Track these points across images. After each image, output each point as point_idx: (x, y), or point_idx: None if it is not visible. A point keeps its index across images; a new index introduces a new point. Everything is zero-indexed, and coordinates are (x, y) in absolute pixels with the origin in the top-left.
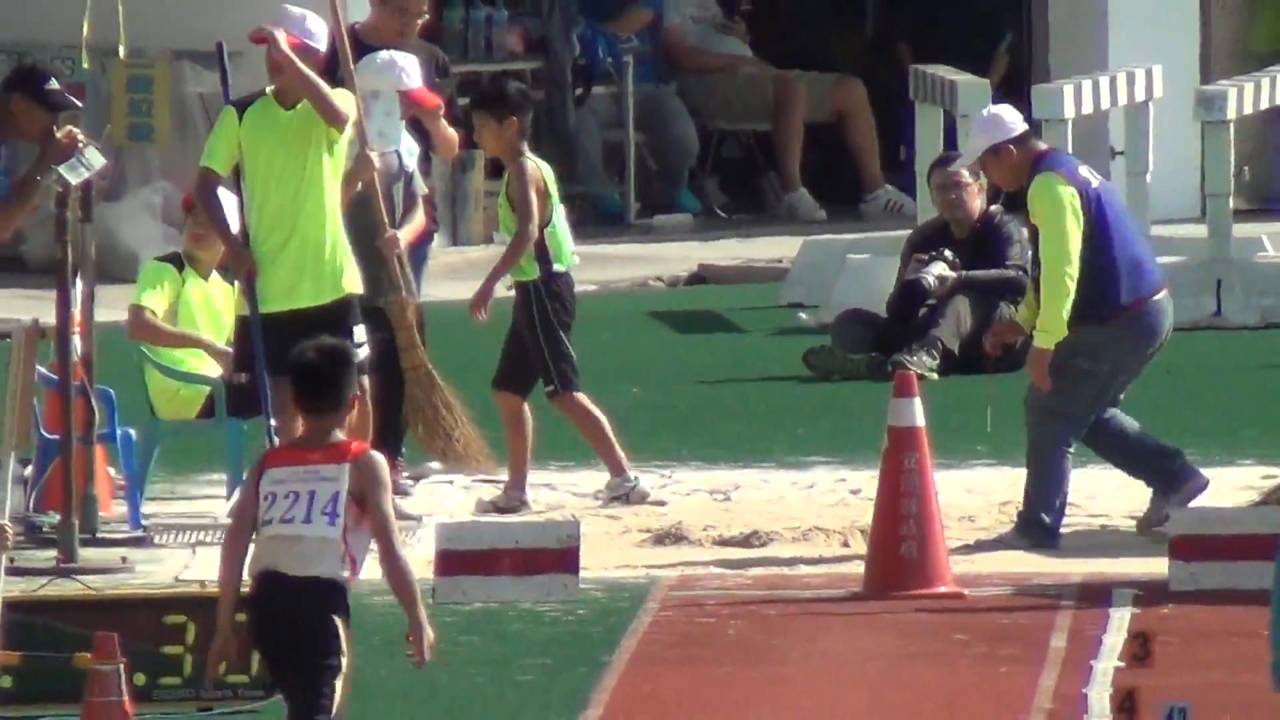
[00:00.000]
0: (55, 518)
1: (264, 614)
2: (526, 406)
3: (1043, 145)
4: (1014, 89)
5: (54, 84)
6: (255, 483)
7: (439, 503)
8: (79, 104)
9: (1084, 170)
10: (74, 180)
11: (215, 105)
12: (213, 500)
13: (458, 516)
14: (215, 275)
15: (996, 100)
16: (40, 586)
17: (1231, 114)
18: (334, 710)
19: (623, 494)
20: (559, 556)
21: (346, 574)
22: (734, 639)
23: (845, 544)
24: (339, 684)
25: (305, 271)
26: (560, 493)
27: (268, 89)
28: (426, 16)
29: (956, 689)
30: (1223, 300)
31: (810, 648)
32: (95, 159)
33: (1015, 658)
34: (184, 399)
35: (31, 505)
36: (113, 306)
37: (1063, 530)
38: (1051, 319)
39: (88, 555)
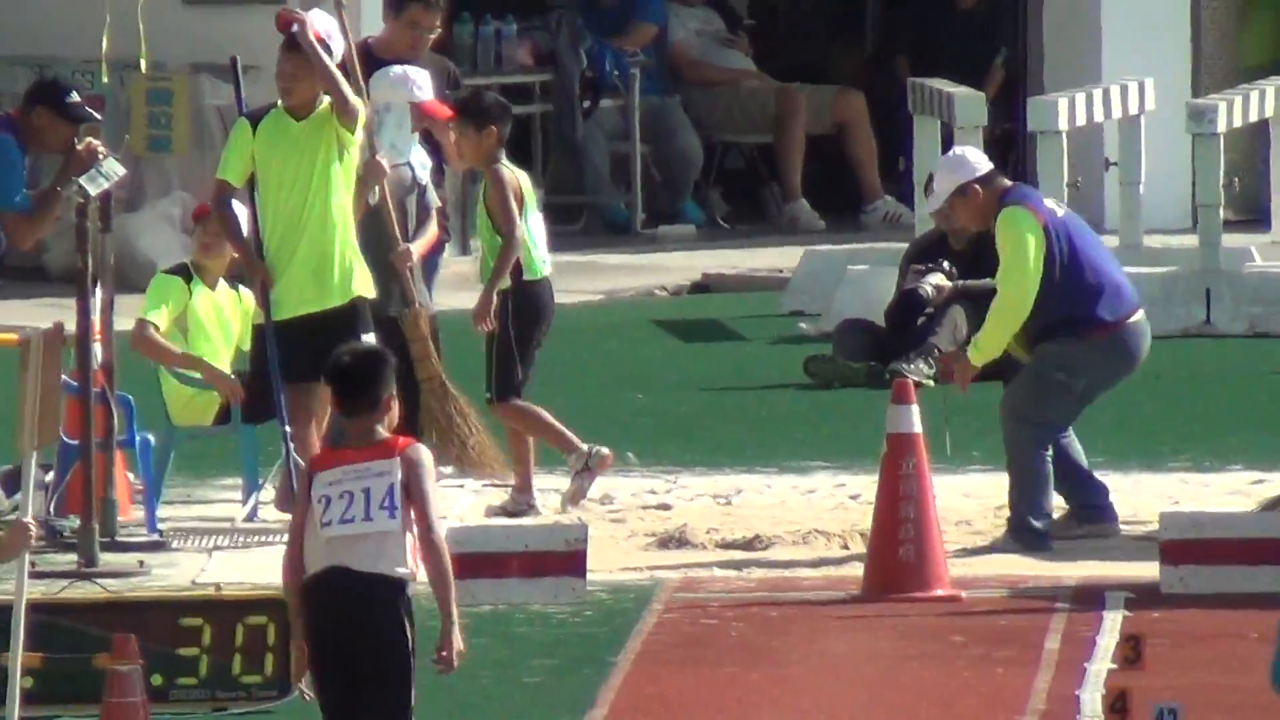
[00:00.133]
0: (75, 522)
1: (330, 609)
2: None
3: (1007, 182)
4: (1009, 102)
5: (75, 97)
6: (306, 491)
7: (449, 507)
8: (99, 116)
9: (1049, 202)
10: (94, 191)
11: (232, 117)
12: (228, 505)
13: (467, 520)
14: (222, 284)
15: (993, 112)
16: (61, 589)
17: (1222, 127)
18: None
19: (520, 509)
20: (566, 559)
21: (411, 569)
22: (736, 640)
23: (845, 547)
24: (413, 684)
25: (316, 277)
26: None
27: (279, 102)
28: (439, 31)
29: (953, 689)
30: (1212, 309)
31: (811, 649)
32: (115, 170)
33: (1011, 659)
34: (199, 405)
35: (52, 509)
36: (132, 315)
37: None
38: (990, 342)
39: (107, 559)
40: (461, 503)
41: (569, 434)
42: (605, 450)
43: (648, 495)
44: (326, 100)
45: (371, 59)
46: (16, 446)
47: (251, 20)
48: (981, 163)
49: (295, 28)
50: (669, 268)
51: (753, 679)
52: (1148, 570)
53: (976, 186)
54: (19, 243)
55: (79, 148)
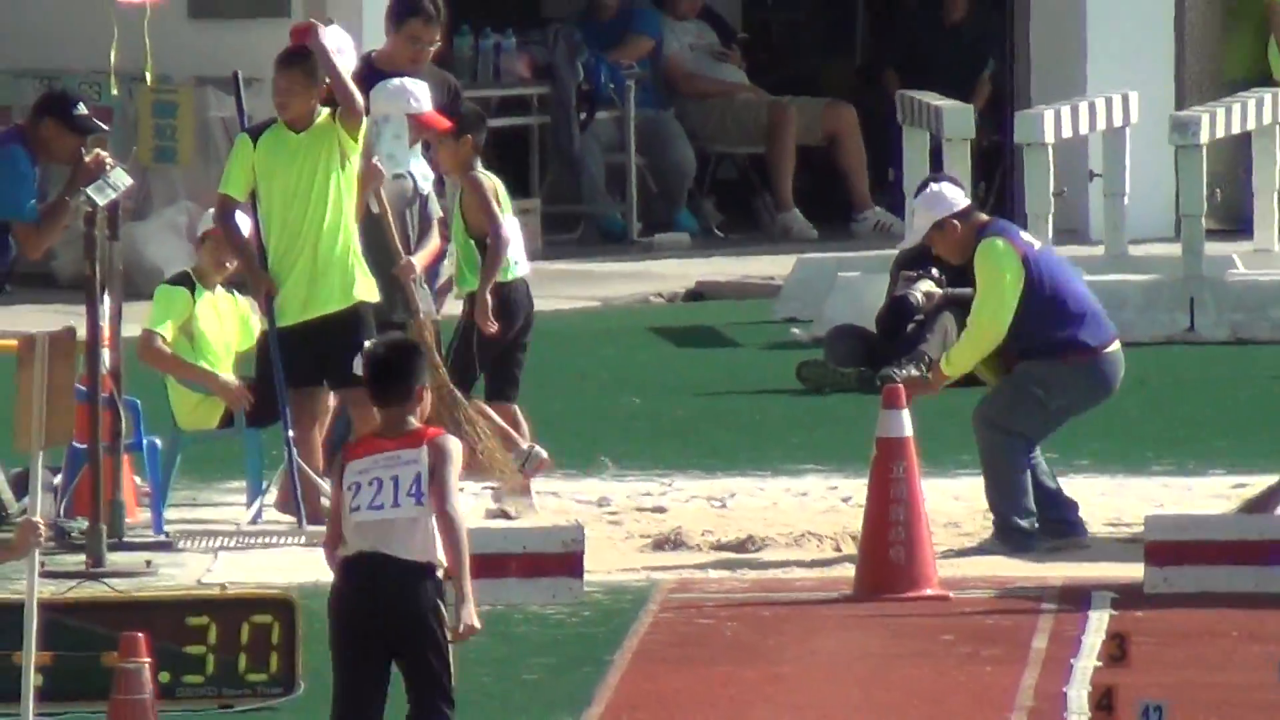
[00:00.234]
0: (84, 523)
1: (366, 590)
2: (519, 411)
3: (984, 217)
4: (997, 114)
5: (82, 108)
6: (339, 479)
7: None
8: (106, 127)
9: (1026, 235)
10: (101, 200)
11: (236, 129)
12: (233, 507)
13: (467, 523)
14: (219, 288)
15: (981, 124)
16: (69, 589)
17: (1204, 138)
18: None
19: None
20: (564, 560)
21: (439, 557)
22: (731, 639)
23: (837, 548)
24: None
25: (318, 284)
26: (564, 500)
27: (279, 117)
28: (439, 44)
29: (943, 687)
30: (1195, 316)
31: (803, 647)
32: (122, 180)
33: (999, 657)
34: (205, 410)
35: (61, 511)
36: (139, 321)
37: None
38: (961, 359)
39: (114, 559)
40: (461, 505)
41: (514, 434)
42: (543, 453)
43: (643, 498)
44: (325, 113)
45: (373, 72)
46: (15, 447)
47: (254, 35)
48: (959, 199)
49: (310, 34)
50: (664, 275)
51: (747, 677)
52: (1132, 571)
53: (955, 221)
54: (29, 252)
55: (86, 159)
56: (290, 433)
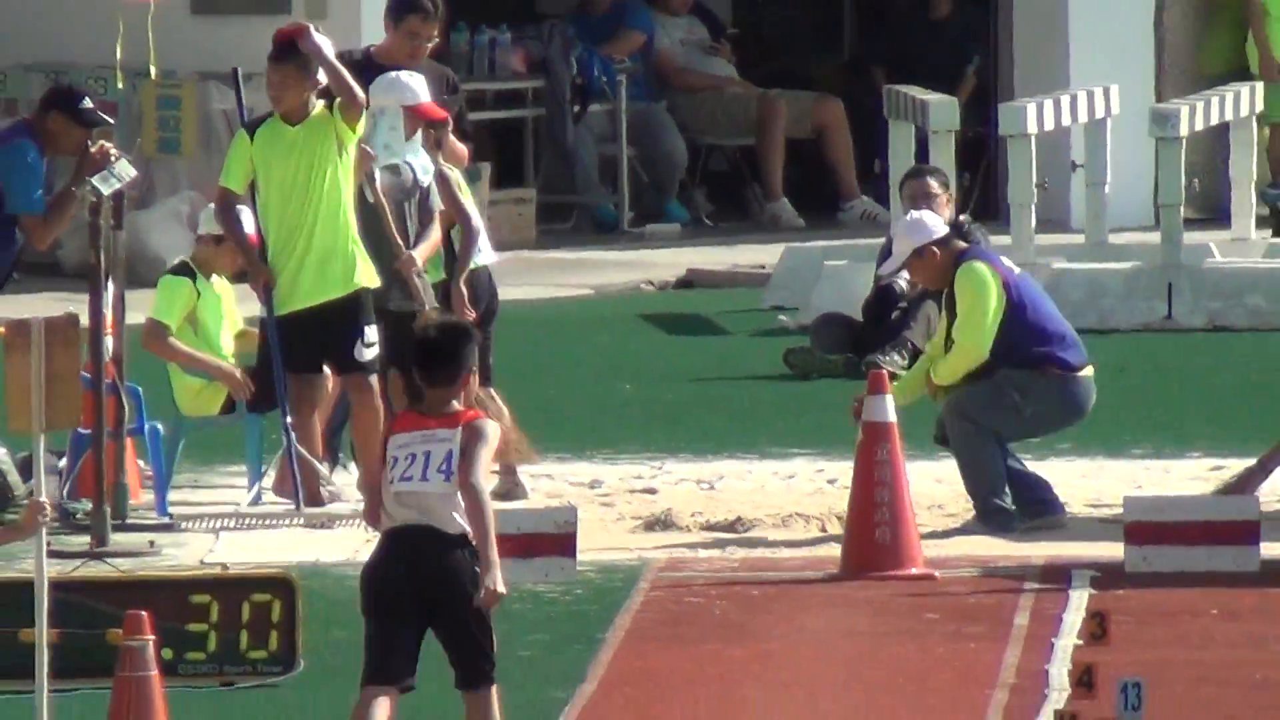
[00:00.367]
0: (88, 505)
1: (406, 562)
2: (496, 395)
3: (963, 244)
4: (981, 107)
5: (88, 102)
6: (383, 449)
7: None
8: (111, 120)
9: (1006, 260)
10: (106, 191)
11: (237, 121)
12: (234, 490)
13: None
14: (215, 276)
15: (965, 117)
16: (74, 568)
17: (1183, 130)
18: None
19: (509, 490)
20: (557, 541)
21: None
22: (720, 617)
23: (823, 529)
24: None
25: (317, 272)
26: (558, 482)
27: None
28: (436, 40)
29: (927, 664)
30: (1174, 304)
31: (791, 625)
32: (126, 171)
33: (982, 635)
34: (207, 397)
35: (66, 494)
36: (142, 309)
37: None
38: (946, 373)
39: (118, 540)
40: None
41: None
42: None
43: (635, 480)
44: (320, 105)
45: (372, 66)
46: (10, 428)
47: (254, 31)
48: (938, 227)
49: (299, 36)
50: (655, 264)
51: (735, 654)
52: (1112, 550)
53: (934, 249)
54: (36, 242)
55: (92, 150)
56: (289, 419)
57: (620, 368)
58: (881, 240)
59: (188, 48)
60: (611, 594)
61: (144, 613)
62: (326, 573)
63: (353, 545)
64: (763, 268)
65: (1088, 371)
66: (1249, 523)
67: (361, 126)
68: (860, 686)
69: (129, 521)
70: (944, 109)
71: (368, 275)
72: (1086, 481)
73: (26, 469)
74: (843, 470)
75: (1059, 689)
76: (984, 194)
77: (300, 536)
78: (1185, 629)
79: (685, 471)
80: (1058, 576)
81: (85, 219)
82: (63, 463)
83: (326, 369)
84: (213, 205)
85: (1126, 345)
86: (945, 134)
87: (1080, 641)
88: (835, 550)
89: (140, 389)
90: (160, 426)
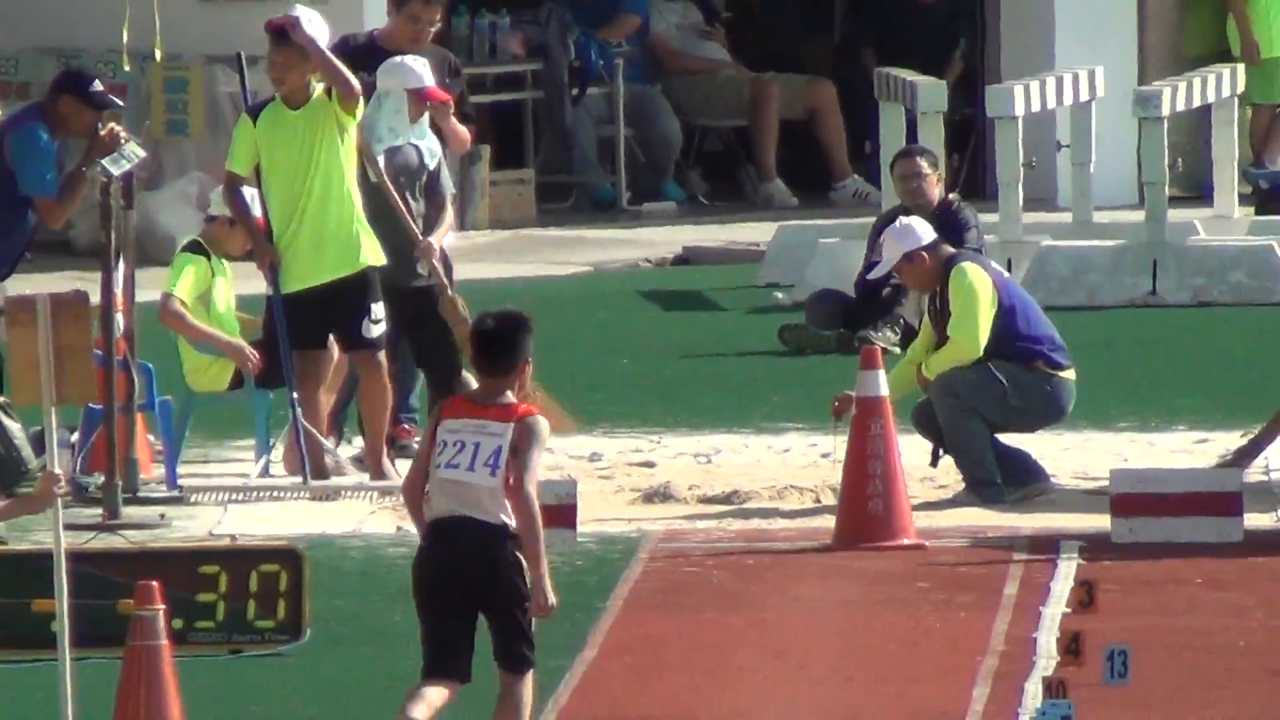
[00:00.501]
0: (100, 479)
1: (450, 555)
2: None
3: (951, 249)
4: (969, 89)
5: (97, 85)
6: (433, 432)
7: None
8: (120, 103)
9: (995, 264)
10: (116, 172)
11: (243, 104)
12: (242, 463)
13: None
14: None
15: (953, 98)
16: (87, 540)
17: (1166, 111)
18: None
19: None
20: (558, 513)
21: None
22: (716, 587)
23: (817, 501)
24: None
25: (321, 251)
26: (558, 455)
27: (277, 94)
28: (439, 24)
29: (919, 632)
30: (1158, 280)
31: (786, 594)
32: (136, 152)
33: (972, 604)
34: (215, 373)
35: (78, 468)
36: (152, 287)
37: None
38: (939, 367)
39: (130, 512)
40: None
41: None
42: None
43: (633, 454)
44: (320, 88)
45: (377, 51)
46: (15, 402)
47: (259, 14)
48: (927, 232)
49: (290, 28)
50: (652, 242)
51: (732, 623)
52: (1099, 521)
53: (923, 254)
54: (49, 222)
55: (102, 133)
56: (295, 394)
57: (619, 343)
58: (873, 218)
59: (193, 32)
60: (611, 564)
61: (154, 583)
62: (332, 544)
63: (357, 517)
64: (757, 245)
65: (1071, 375)
66: (1232, 494)
67: (361, 110)
68: (853, 654)
69: (140, 495)
70: (932, 91)
71: (374, 254)
72: (1073, 454)
73: (39, 444)
74: (836, 444)
75: (1047, 656)
76: (972, 173)
77: (306, 508)
78: (1170, 598)
79: (682, 445)
80: (1046, 547)
81: (96, 199)
82: (75, 437)
83: (332, 345)
84: (222, 188)
85: (1112, 321)
86: (934, 115)
87: (1068, 610)
88: (829, 521)
89: (151, 365)
90: (171, 401)
